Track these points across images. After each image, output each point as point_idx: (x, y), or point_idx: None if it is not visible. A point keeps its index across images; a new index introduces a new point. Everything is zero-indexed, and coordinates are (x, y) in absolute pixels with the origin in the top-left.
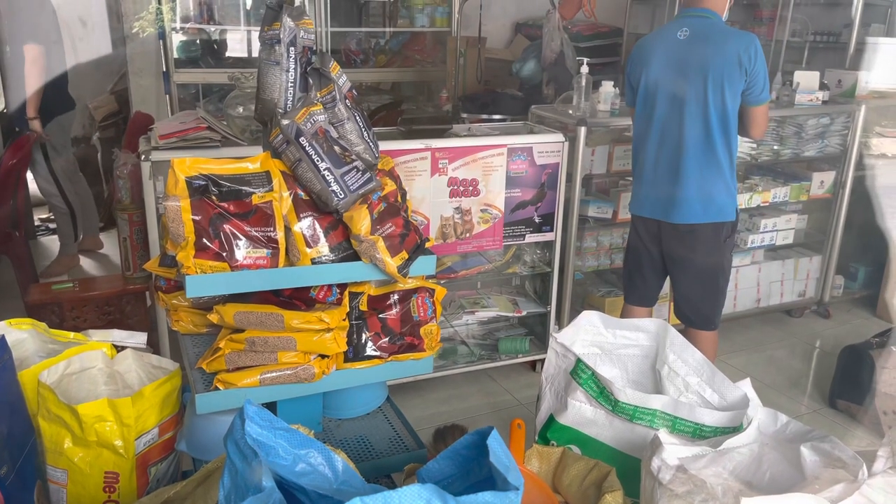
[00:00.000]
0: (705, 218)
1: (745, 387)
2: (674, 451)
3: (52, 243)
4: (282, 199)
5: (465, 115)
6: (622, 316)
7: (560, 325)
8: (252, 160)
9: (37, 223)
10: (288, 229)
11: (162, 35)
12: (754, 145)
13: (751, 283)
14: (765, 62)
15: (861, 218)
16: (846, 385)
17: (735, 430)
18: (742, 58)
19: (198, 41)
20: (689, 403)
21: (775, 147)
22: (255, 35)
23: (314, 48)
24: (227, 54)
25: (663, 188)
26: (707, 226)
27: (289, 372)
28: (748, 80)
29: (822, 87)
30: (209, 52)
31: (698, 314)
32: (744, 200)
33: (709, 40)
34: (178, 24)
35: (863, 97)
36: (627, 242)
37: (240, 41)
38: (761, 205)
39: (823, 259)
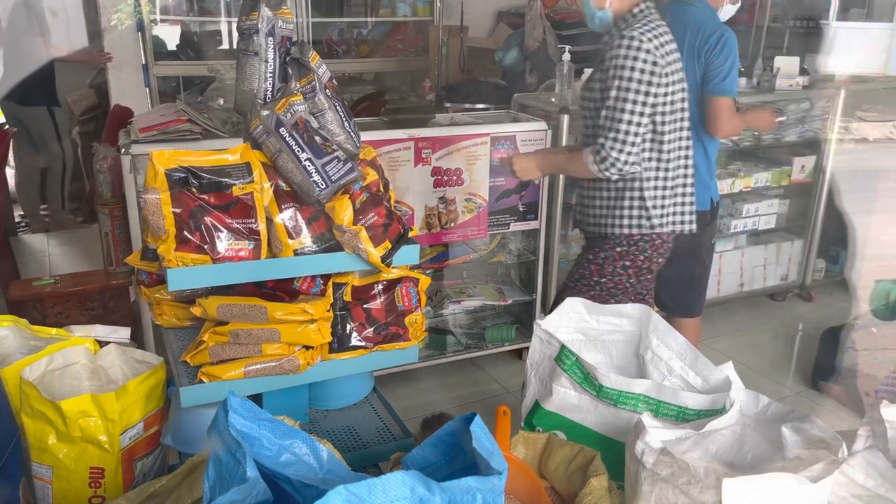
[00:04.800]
0: None
1: (728, 370)
2: (657, 434)
3: (32, 240)
4: (263, 190)
5: (448, 105)
6: None
7: (546, 312)
8: (232, 151)
9: (17, 220)
10: (270, 221)
11: (140, 27)
12: None
13: (734, 267)
14: (731, 55)
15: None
16: (828, 367)
17: (717, 412)
18: (701, 44)
19: (178, 32)
20: (672, 387)
21: (756, 132)
22: (235, 26)
23: (293, 38)
24: (208, 46)
25: None
26: None
27: (273, 364)
28: (705, 65)
29: (803, 72)
30: (189, 43)
31: (680, 303)
32: (726, 186)
33: (678, 29)
34: (157, 16)
35: (842, 82)
36: None
37: (220, 32)
38: (743, 190)
39: (805, 243)
